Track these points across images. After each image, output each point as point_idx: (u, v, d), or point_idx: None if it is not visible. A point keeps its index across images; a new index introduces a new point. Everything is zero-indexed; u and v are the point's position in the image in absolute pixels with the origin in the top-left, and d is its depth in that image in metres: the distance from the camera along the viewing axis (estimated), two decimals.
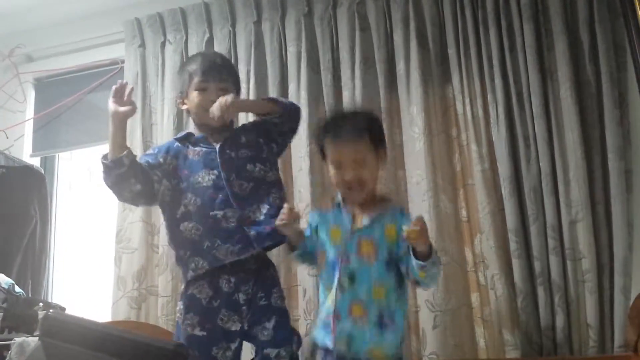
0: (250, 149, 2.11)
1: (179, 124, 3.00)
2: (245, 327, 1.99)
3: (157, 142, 3.04)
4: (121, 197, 2.11)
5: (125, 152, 2.00)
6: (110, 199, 3.11)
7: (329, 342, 1.75)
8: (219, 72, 2.12)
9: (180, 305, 2.06)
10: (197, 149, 2.10)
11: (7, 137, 3.49)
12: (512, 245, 2.43)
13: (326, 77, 2.82)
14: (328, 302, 1.79)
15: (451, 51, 2.67)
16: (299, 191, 2.71)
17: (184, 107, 2.19)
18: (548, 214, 2.42)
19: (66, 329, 1.57)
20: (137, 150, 3.02)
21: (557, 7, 2.55)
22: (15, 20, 3.51)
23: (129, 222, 2.97)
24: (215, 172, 2.04)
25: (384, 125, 2.65)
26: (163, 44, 3.16)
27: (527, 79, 2.53)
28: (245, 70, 2.95)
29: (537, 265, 2.39)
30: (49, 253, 3.31)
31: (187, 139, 2.14)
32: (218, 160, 2.06)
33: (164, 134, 3.00)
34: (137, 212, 2.95)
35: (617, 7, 2.47)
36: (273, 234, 1.96)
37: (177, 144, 2.15)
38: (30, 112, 3.61)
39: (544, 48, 2.56)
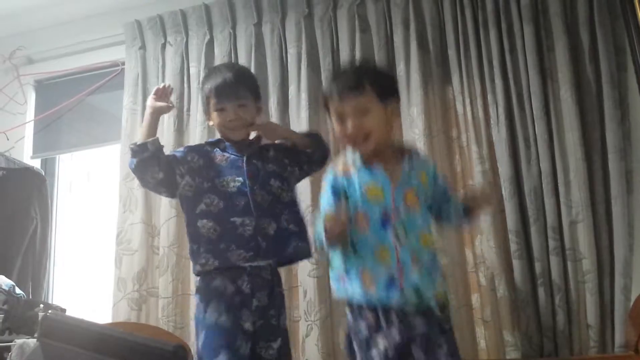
0: (276, 165, 2.16)
1: (179, 125, 3.00)
2: (258, 333, 2.00)
3: None
4: (143, 182, 2.16)
5: (151, 139, 2.11)
6: (110, 200, 3.15)
7: (394, 299, 1.69)
8: (234, 91, 2.13)
9: (197, 299, 2.07)
10: (226, 154, 2.15)
11: (8, 139, 3.49)
12: (513, 246, 2.43)
13: (326, 79, 2.82)
14: (383, 260, 1.73)
15: (451, 52, 2.68)
16: (300, 192, 2.71)
17: (210, 123, 2.25)
18: (548, 214, 2.42)
19: (65, 330, 1.57)
20: None
21: (557, 8, 2.56)
22: (15, 22, 3.51)
23: (130, 223, 2.97)
24: (241, 179, 2.09)
25: None
26: (163, 46, 3.17)
27: (528, 79, 2.53)
28: None
29: (538, 266, 2.40)
30: (50, 255, 3.31)
31: (217, 144, 2.19)
32: (245, 168, 2.11)
33: (165, 136, 3.00)
34: (138, 213, 2.95)
35: (617, 8, 2.48)
36: (282, 253, 2.05)
37: (207, 147, 2.20)
38: (30, 114, 3.61)
39: (544, 49, 2.56)
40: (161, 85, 2.23)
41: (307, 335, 2.62)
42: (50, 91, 3.62)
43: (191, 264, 2.18)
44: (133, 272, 2.90)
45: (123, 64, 3.31)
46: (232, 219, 2.04)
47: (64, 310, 2.60)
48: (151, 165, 2.08)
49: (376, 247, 1.75)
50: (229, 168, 2.12)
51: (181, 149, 2.26)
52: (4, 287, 2.55)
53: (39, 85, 3.66)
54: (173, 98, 2.97)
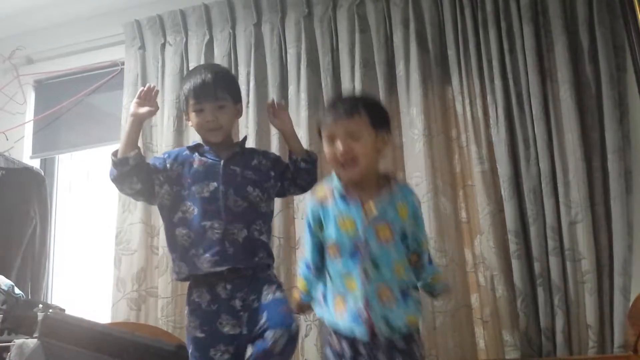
0: (257, 173, 2.13)
1: (178, 125, 3.00)
2: (245, 332, 1.99)
3: (157, 143, 3.04)
4: (122, 191, 2.16)
5: (132, 153, 2.06)
6: (110, 200, 3.15)
7: (359, 333, 1.75)
8: (212, 91, 2.10)
9: (186, 309, 2.08)
10: (204, 159, 2.12)
11: (7, 139, 3.50)
12: (512, 246, 2.43)
13: (326, 79, 2.82)
14: (351, 290, 1.78)
15: (451, 52, 2.68)
16: (300, 200, 2.71)
17: (190, 123, 2.23)
18: (548, 215, 2.42)
19: (66, 329, 1.56)
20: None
21: (557, 8, 2.56)
22: (15, 22, 3.52)
23: (129, 223, 2.97)
24: (215, 184, 2.06)
25: None
26: (163, 46, 3.17)
27: (527, 80, 2.53)
28: (245, 72, 2.96)
29: (537, 266, 2.40)
30: (49, 255, 3.31)
31: (196, 149, 2.16)
32: (221, 172, 2.08)
33: (164, 136, 3.01)
34: (137, 213, 2.95)
35: (617, 8, 2.48)
36: (249, 261, 2.01)
37: (186, 152, 2.17)
38: (30, 113, 3.62)
39: (543, 49, 2.56)
40: (145, 87, 2.16)
41: (306, 335, 2.62)
42: (49, 91, 3.62)
43: None
44: (132, 272, 2.90)
45: (122, 64, 3.31)
46: (202, 223, 2.02)
47: (63, 311, 2.59)
48: (130, 177, 2.06)
49: (346, 277, 1.80)
50: (206, 173, 2.09)
51: (161, 155, 2.22)
52: (3, 287, 2.54)
53: (38, 85, 3.66)
54: (172, 98, 3.01)
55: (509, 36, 2.60)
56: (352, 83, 2.76)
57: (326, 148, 1.82)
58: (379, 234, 1.79)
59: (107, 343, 1.45)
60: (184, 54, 3.10)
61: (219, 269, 1.99)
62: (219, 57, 3.02)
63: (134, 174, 2.06)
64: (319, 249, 1.86)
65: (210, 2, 3.11)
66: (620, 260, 2.33)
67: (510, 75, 2.56)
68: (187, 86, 2.14)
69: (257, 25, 3.01)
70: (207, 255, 1.99)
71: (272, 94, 2.87)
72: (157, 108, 2.16)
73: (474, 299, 2.51)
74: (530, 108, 2.51)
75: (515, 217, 2.45)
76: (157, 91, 2.17)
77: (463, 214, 2.59)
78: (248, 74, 2.95)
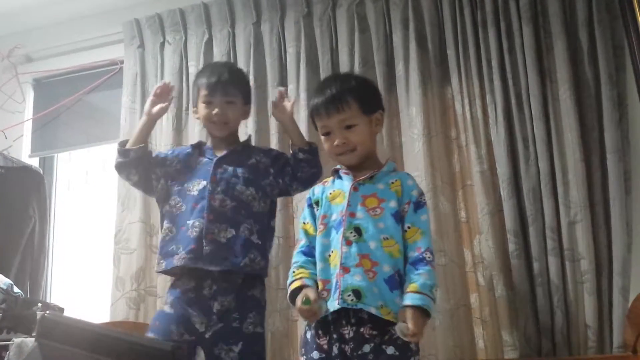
0: (252, 171, 2.13)
1: (178, 124, 3.00)
2: (207, 336, 1.98)
3: (156, 142, 3.04)
4: (123, 179, 2.29)
5: (136, 147, 2.15)
6: (109, 199, 3.15)
7: (334, 302, 1.67)
8: (224, 87, 2.15)
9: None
10: (201, 158, 2.18)
11: (6, 138, 3.49)
12: (511, 246, 2.43)
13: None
14: (333, 264, 1.73)
15: (450, 52, 2.68)
16: (299, 200, 2.71)
17: (196, 117, 2.27)
18: (547, 215, 2.42)
19: (63, 330, 1.56)
20: None
21: (556, 8, 2.55)
22: (14, 20, 3.51)
23: (128, 222, 2.97)
24: (205, 182, 2.09)
25: (383, 127, 2.66)
26: (162, 45, 3.16)
27: (526, 80, 2.53)
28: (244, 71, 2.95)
29: (536, 266, 2.40)
30: (48, 253, 3.31)
31: (198, 147, 2.23)
32: (210, 171, 2.11)
33: (163, 135, 3.00)
34: (136, 213, 2.95)
35: (616, 8, 2.48)
36: (229, 261, 1.99)
37: (189, 150, 2.24)
38: (29, 112, 3.61)
39: (543, 49, 2.56)
40: (161, 83, 2.26)
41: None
42: (48, 89, 3.61)
43: None
44: (131, 271, 2.90)
45: (122, 62, 3.30)
46: (187, 221, 2.05)
47: (62, 310, 2.59)
48: (128, 168, 2.17)
49: (330, 251, 1.77)
50: (199, 172, 2.13)
51: (168, 150, 2.31)
52: (1, 285, 2.54)
53: (37, 83, 3.66)
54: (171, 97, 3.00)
55: (508, 36, 2.59)
56: None
57: (323, 140, 1.88)
58: (365, 202, 1.78)
59: (104, 344, 1.45)
60: (183, 53, 3.10)
61: (191, 266, 2.00)
62: (218, 56, 3.02)
63: (133, 166, 2.16)
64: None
65: (209, 1, 3.11)
66: (620, 260, 2.33)
67: (509, 75, 2.56)
68: (202, 79, 2.19)
69: (257, 25, 3.01)
70: (182, 252, 2.01)
71: (272, 94, 2.87)
72: (170, 103, 2.27)
73: (473, 298, 2.51)
74: (529, 108, 2.51)
75: (515, 217, 2.45)
76: (173, 87, 2.28)
77: (462, 214, 2.59)
78: (247, 73, 2.94)
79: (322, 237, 1.81)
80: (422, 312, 1.64)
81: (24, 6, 3.44)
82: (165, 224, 2.12)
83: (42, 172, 3.38)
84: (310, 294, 1.68)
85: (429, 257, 1.74)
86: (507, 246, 2.45)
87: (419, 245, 1.76)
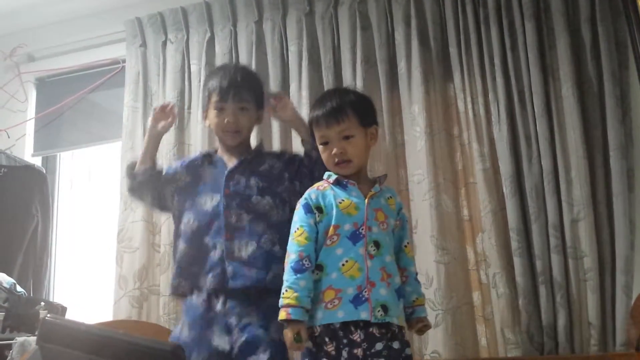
0: (266, 179, 2.04)
1: (180, 123, 2.99)
2: (235, 352, 1.89)
3: None
4: (136, 200, 2.30)
5: (142, 168, 2.11)
6: (111, 198, 3.15)
7: (364, 314, 1.72)
8: (237, 92, 2.05)
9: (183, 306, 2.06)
10: (211, 168, 2.09)
11: (9, 137, 3.50)
12: (514, 244, 2.43)
13: (327, 77, 2.81)
14: (349, 277, 1.76)
15: (452, 50, 2.67)
16: None
17: (207, 124, 2.18)
18: (550, 212, 2.41)
19: (64, 333, 1.56)
20: (139, 150, 3.01)
21: (559, 5, 2.55)
22: (16, 19, 3.51)
23: (131, 221, 2.97)
24: (218, 196, 2.01)
25: (385, 125, 2.67)
26: (164, 44, 3.16)
27: (529, 77, 2.53)
28: None
29: (539, 264, 2.39)
30: (51, 252, 3.32)
31: (208, 156, 2.15)
32: (223, 184, 2.02)
33: (166, 134, 2.99)
34: (139, 211, 2.95)
35: (619, 5, 2.47)
36: (255, 278, 1.91)
37: (198, 160, 2.15)
38: (31, 111, 3.62)
39: (545, 46, 2.55)
40: (163, 104, 2.20)
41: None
42: (51, 89, 3.62)
43: None
44: (134, 270, 2.90)
45: (124, 61, 3.31)
46: (205, 241, 1.97)
47: (65, 309, 2.60)
48: (140, 190, 2.13)
49: (343, 261, 1.79)
50: (210, 184, 2.04)
51: (174, 164, 2.23)
52: (4, 284, 2.55)
53: (39, 82, 3.66)
54: (174, 96, 3.01)
55: (510, 33, 2.59)
56: (353, 81, 2.75)
57: (321, 149, 1.92)
58: (377, 216, 1.86)
59: (105, 346, 1.45)
60: (185, 52, 3.10)
61: (217, 288, 1.93)
62: (220, 55, 3.01)
63: (144, 188, 2.12)
64: (316, 238, 1.82)
65: (211, 0, 3.11)
66: (623, 258, 2.32)
67: (512, 73, 2.56)
68: (213, 82, 2.09)
69: (258, 23, 3.00)
70: (209, 275, 1.94)
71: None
72: (175, 118, 2.20)
73: (476, 296, 2.51)
74: (532, 106, 2.51)
75: (517, 215, 2.44)
76: (173, 105, 2.19)
77: (465, 212, 2.59)
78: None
79: (335, 247, 1.81)
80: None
81: (26, 5, 3.44)
82: (181, 245, 2.01)
83: (44, 171, 3.39)
84: (303, 333, 1.72)
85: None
86: (509, 244, 2.45)
87: (414, 261, 1.99)
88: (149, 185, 2.11)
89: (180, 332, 1.98)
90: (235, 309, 1.92)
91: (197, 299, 1.97)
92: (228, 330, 1.91)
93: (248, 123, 2.11)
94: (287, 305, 1.72)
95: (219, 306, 1.94)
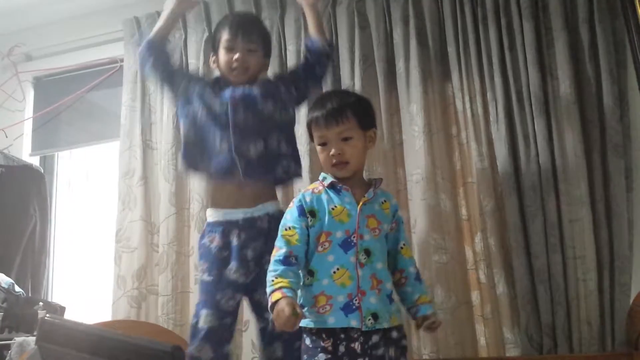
0: (268, 89, 2.18)
1: (178, 122, 2.98)
2: (249, 283, 2.05)
3: (156, 140, 3.04)
4: (141, 64, 2.43)
5: (153, 37, 2.30)
6: (109, 198, 3.15)
7: (354, 322, 1.75)
8: (247, 32, 2.17)
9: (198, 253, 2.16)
10: (219, 90, 2.20)
11: (7, 136, 3.49)
12: (512, 244, 2.43)
13: (325, 76, 2.80)
14: (340, 284, 1.78)
15: (451, 49, 2.67)
16: (299, 190, 2.71)
17: (214, 66, 2.29)
18: (548, 212, 2.41)
19: (63, 333, 1.57)
20: (137, 150, 3.02)
21: (557, 4, 2.55)
22: (14, 19, 3.51)
23: (129, 221, 2.97)
24: (226, 103, 2.13)
25: (383, 124, 2.66)
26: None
27: (527, 77, 2.53)
28: None
29: (537, 264, 2.39)
30: (49, 252, 3.31)
31: (216, 82, 2.25)
32: (230, 94, 2.14)
33: (164, 133, 3.00)
34: (137, 211, 2.95)
35: (617, 5, 2.47)
36: (266, 174, 2.11)
37: (209, 87, 2.24)
38: (29, 111, 3.61)
39: (543, 46, 2.55)
40: None
41: None
42: (48, 88, 3.61)
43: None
44: (132, 270, 2.90)
45: (122, 60, 3.30)
46: (212, 130, 2.12)
47: (63, 308, 2.60)
48: (147, 58, 2.29)
49: (334, 268, 1.80)
50: (220, 97, 2.17)
51: (198, 82, 2.31)
52: (3, 285, 2.55)
53: (37, 82, 3.66)
54: (171, 95, 3.00)
55: (509, 33, 2.59)
56: (351, 80, 2.75)
57: (319, 150, 1.93)
58: (368, 223, 1.86)
59: (104, 346, 1.46)
60: (183, 51, 3.09)
61: (229, 180, 2.07)
62: None
63: (152, 57, 2.28)
64: (306, 241, 1.83)
65: None
66: (621, 257, 2.33)
67: (510, 72, 2.55)
68: (224, 24, 2.22)
69: None
70: (220, 168, 2.09)
71: None
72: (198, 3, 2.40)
73: (475, 296, 2.51)
74: (530, 105, 2.51)
75: (516, 214, 2.44)
76: None
77: (463, 211, 2.59)
78: None
79: (327, 254, 1.82)
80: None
81: (24, 5, 3.43)
82: (188, 125, 2.19)
83: (42, 171, 3.38)
84: (297, 307, 1.69)
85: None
86: (508, 243, 2.45)
87: (414, 261, 1.99)
88: (157, 58, 2.27)
89: (201, 276, 2.09)
90: (249, 242, 2.05)
91: (210, 239, 2.09)
92: (244, 263, 2.04)
93: (255, 64, 2.21)
94: (280, 288, 1.71)
95: (234, 241, 2.05)
